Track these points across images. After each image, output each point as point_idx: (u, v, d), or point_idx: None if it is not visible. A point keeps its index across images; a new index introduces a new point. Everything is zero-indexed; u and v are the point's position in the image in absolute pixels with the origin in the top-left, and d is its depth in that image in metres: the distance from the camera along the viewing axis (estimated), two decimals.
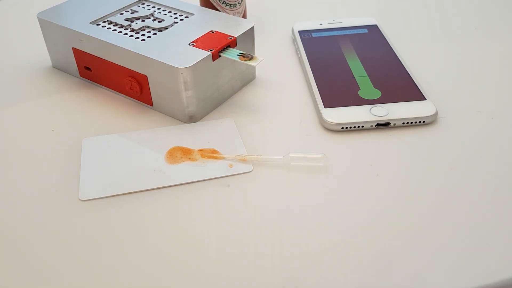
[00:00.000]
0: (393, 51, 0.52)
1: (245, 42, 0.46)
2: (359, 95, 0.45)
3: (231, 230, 0.34)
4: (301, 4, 0.66)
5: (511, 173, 0.38)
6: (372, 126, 0.42)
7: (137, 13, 0.50)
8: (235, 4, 0.56)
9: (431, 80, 0.49)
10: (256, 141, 0.42)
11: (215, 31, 0.46)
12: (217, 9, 0.55)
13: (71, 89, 0.49)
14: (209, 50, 0.43)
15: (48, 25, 0.49)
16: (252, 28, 0.47)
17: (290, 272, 0.31)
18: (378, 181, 0.37)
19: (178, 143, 0.41)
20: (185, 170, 0.39)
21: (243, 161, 0.39)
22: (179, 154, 0.40)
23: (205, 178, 0.38)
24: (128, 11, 0.50)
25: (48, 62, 0.54)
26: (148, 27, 0.47)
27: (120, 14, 0.50)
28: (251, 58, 0.43)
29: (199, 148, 0.41)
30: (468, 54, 0.53)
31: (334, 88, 0.46)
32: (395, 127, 0.43)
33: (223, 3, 0.55)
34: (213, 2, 0.55)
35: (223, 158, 0.40)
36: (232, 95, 0.48)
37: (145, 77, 0.44)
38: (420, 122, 0.42)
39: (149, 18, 0.49)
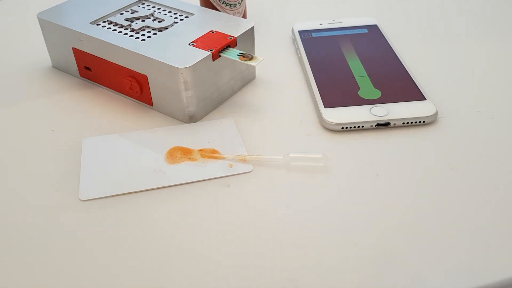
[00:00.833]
0: (393, 51, 0.52)
1: (245, 42, 0.46)
2: (359, 95, 0.45)
3: (231, 230, 0.34)
4: (301, 4, 0.66)
5: (511, 173, 0.38)
6: (372, 126, 0.42)
7: (137, 13, 0.50)
8: (235, 4, 0.56)
9: (431, 80, 0.49)
10: (256, 141, 0.42)
11: (215, 31, 0.46)
12: (217, 9, 0.55)
13: (71, 89, 0.49)
14: (209, 50, 0.43)
15: (48, 25, 0.49)
16: (252, 28, 0.47)
17: (290, 272, 0.31)
18: (378, 181, 0.37)
19: (178, 143, 0.41)
20: (185, 170, 0.39)
21: (243, 161, 0.39)
22: (179, 154, 0.40)
23: (205, 178, 0.38)
24: (128, 11, 0.50)
25: (48, 62, 0.54)
26: (148, 27, 0.47)
27: (120, 14, 0.50)
28: (251, 58, 0.43)
29: (199, 148, 0.41)
30: (468, 54, 0.53)
31: (334, 88, 0.46)
32: (395, 127, 0.43)
33: (223, 3, 0.55)
34: (213, 2, 0.55)
35: (223, 158, 0.40)
36: (232, 95, 0.48)
37: (145, 77, 0.44)
38: (420, 122, 0.42)
39: (149, 18, 0.49)
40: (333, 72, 0.49)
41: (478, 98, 0.46)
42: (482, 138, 0.41)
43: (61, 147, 0.42)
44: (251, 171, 0.39)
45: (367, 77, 0.48)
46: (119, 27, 0.47)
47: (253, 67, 0.50)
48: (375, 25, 0.57)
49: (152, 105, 0.46)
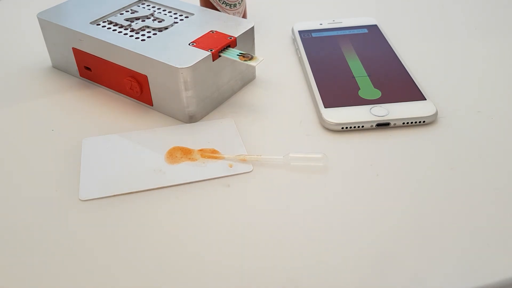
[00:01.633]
0: (393, 51, 0.52)
1: (245, 42, 0.46)
2: (359, 95, 0.45)
3: (231, 230, 0.34)
4: (301, 4, 0.66)
5: (511, 173, 0.38)
6: (372, 126, 0.42)
7: (137, 13, 0.50)
8: (235, 4, 0.56)
9: (431, 80, 0.49)
10: (256, 141, 0.42)
11: (215, 31, 0.46)
12: (217, 9, 0.55)
13: (71, 89, 0.49)
14: (209, 50, 0.43)
15: (48, 25, 0.49)
16: (252, 28, 0.47)
17: (290, 272, 0.31)
18: (378, 181, 0.37)
19: (178, 143, 0.41)
20: (185, 170, 0.39)
21: (243, 161, 0.39)
22: (179, 154, 0.40)
23: (205, 178, 0.38)
24: (128, 11, 0.50)
25: (48, 62, 0.54)
26: (148, 27, 0.47)
27: (120, 14, 0.50)
28: (251, 58, 0.43)
29: (199, 148, 0.41)
30: (468, 54, 0.53)
31: (334, 88, 0.46)
32: (395, 127, 0.43)
33: (223, 3, 0.55)
34: (213, 2, 0.55)
35: (223, 158, 0.40)
36: (232, 95, 0.48)
37: (145, 77, 0.44)
38: (420, 122, 0.42)
39: (149, 18, 0.49)
40: (333, 72, 0.49)
41: (478, 98, 0.46)
42: (482, 138, 0.41)
43: (61, 147, 0.42)
44: (251, 171, 0.39)
45: (367, 77, 0.48)
46: (119, 27, 0.47)
47: (253, 67, 0.50)
48: (375, 25, 0.57)
49: (152, 105, 0.46)
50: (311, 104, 0.46)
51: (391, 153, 0.40)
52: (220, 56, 0.43)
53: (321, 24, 0.58)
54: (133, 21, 0.48)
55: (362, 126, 0.42)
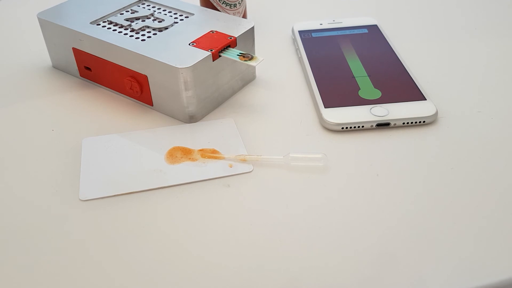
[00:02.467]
0: (393, 51, 0.52)
1: (245, 42, 0.46)
2: (359, 95, 0.45)
3: (231, 230, 0.34)
4: (301, 4, 0.66)
5: (511, 173, 0.38)
6: (372, 126, 0.42)
7: (137, 13, 0.50)
8: (235, 4, 0.56)
9: (431, 80, 0.49)
10: (256, 141, 0.42)
11: (215, 31, 0.46)
12: (217, 9, 0.55)
13: (71, 89, 0.49)
14: (209, 50, 0.43)
15: (48, 25, 0.49)
16: (252, 28, 0.47)
17: (290, 272, 0.31)
18: (378, 181, 0.37)
19: (178, 143, 0.41)
20: (185, 170, 0.39)
21: (243, 161, 0.39)
22: (179, 154, 0.40)
23: (205, 178, 0.38)
24: (128, 11, 0.50)
25: (48, 62, 0.54)
26: (148, 27, 0.47)
27: (120, 14, 0.50)
28: (251, 58, 0.43)
29: (199, 148, 0.41)
30: (468, 54, 0.53)
31: (334, 88, 0.46)
32: (395, 127, 0.43)
33: (223, 3, 0.55)
34: (213, 2, 0.55)
35: (223, 158, 0.40)
36: (232, 95, 0.48)
37: (145, 77, 0.44)
38: (420, 122, 0.42)
39: (149, 18, 0.49)
40: (333, 72, 0.49)
41: (478, 98, 0.46)
42: (482, 138, 0.41)
43: (61, 147, 0.42)
44: (251, 171, 0.39)
45: (367, 77, 0.48)
46: (119, 27, 0.47)
47: (253, 67, 0.50)
48: (375, 25, 0.57)
49: (152, 105, 0.46)
50: (311, 104, 0.46)
51: (391, 153, 0.40)
52: (220, 56, 0.43)
53: (321, 24, 0.58)
54: (133, 21, 0.48)
55: (362, 126, 0.42)
